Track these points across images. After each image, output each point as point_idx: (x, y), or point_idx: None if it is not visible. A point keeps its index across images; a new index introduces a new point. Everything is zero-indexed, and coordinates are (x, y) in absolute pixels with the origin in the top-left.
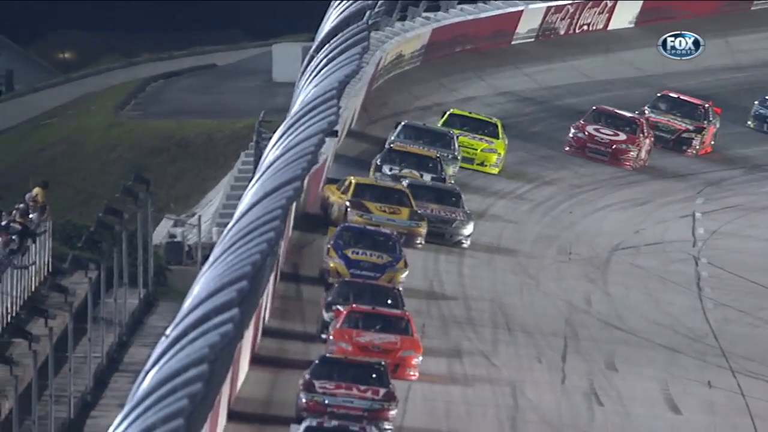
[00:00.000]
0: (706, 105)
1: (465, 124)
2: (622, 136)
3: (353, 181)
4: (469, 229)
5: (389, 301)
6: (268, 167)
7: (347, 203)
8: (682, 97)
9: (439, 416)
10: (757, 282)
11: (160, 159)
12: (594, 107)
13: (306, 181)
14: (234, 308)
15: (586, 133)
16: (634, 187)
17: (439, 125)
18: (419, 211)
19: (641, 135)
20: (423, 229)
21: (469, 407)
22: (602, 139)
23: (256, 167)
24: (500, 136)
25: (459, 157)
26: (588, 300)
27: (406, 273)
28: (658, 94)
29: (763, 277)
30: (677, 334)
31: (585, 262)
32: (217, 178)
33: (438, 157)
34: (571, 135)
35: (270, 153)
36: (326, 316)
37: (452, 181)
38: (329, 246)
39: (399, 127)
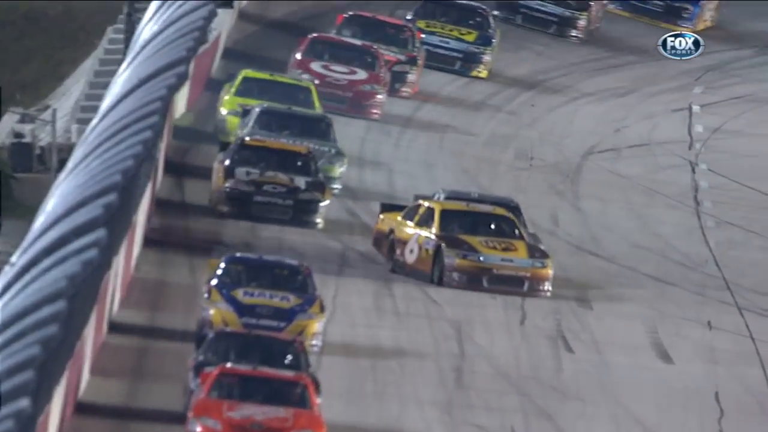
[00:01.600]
0: None
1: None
2: (362, 74)
3: (435, 207)
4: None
5: (287, 360)
6: (144, 47)
7: (436, 240)
8: None
9: (364, 370)
10: None
11: (1, 35)
12: (312, 35)
13: (192, 67)
14: (100, 228)
15: (313, 73)
16: (614, 72)
17: (231, 93)
18: None
19: (382, 69)
20: (550, 270)
21: (401, 357)
22: (337, 80)
23: (127, 47)
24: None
25: (343, 152)
26: (554, 218)
27: (323, 321)
28: None
29: None
30: (668, 261)
31: (551, 170)
32: (76, 61)
33: (311, 154)
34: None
35: (146, 29)
36: (194, 383)
37: (336, 186)
38: (210, 286)
39: (253, 113)
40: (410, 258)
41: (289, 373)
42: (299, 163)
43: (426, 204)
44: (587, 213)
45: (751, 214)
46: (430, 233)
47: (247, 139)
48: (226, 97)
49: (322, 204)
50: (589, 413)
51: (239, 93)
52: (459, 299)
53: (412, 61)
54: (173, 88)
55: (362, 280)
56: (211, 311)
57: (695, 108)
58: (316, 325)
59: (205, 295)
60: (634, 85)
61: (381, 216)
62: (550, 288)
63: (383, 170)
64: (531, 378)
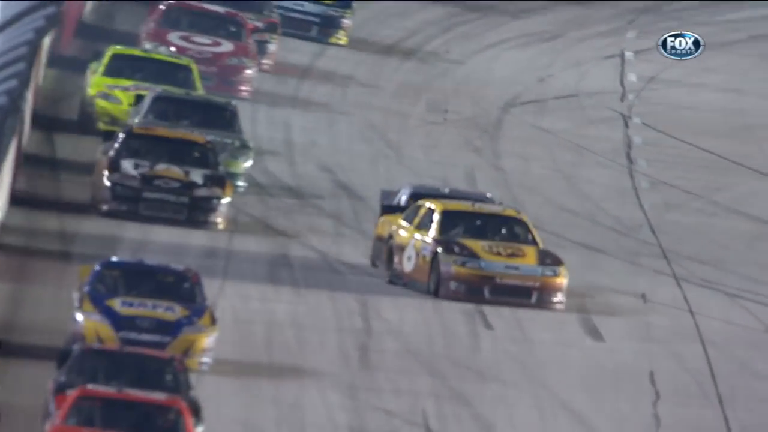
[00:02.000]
0: None
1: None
2: (227, 45)
3: (436, 208)
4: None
5: (162, 380)
6: None
7: (434, 245)
8: None
9: (258, 347)
10: (711, 151)
11: None
12: (163, 4)
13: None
14: None
15: (171, 45)
16: (539, 15)
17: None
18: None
19: (249, 40)
20: (563, 279)
21: (300, 332)
22: (200, 53)
23: None
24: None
25: (250, 144)
26: (471, 176)
27: (215, 335)
28: None
29: (721, 143)
30: (598, 225)
31: (467, 124)
32: None
33: (209, 144)
34: (148, 48)
35: None
36: (51, 407)
37: (240, 183)
38: (83, 293)
39: (147, 100)
40: (408, 266)
41: (161, 396)
42: (196, 155)
43: (427, 204)
44: (508, 172)
45: (690, 173)
46: (429, 237)
47: (136, 127)
48: (93, 77)
49: (222, 201)
50: (510, 396)
51: (108, 73)
52: (364, 269)
53: (271, 28)
54: (42, 32)
55: (256, 247)
56: (84, 323)
57: (628, 55)
58: (206, 340)
59: (76, 305)
60: (560, 29)
61: (381, 219)
62: (564, 299)
63: (282, 159)
64: (444, 358)
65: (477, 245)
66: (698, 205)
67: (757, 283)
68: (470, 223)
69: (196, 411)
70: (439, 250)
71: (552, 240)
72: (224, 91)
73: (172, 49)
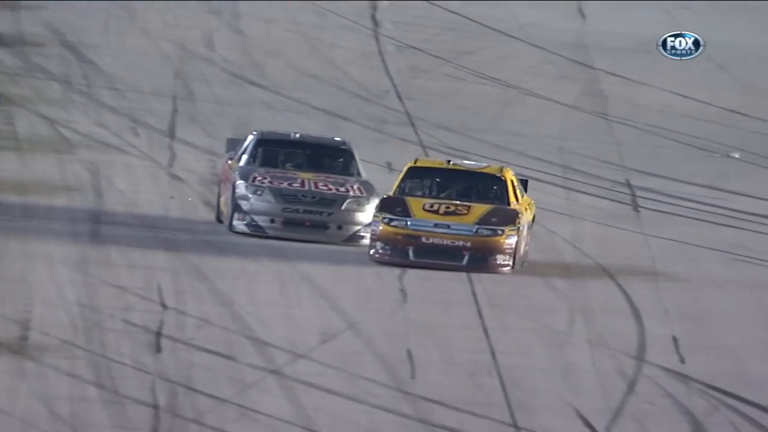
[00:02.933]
0: None
1: None
2: None
3: (408, 165)
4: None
5: None
6: None
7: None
8: None
9: None
10: (459, 12)
11: None
12: None
13: None
14: None
15: None
16: None
17: None
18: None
19: None
20: (506, 240)
21: (26, 201)
22: None
23: None
24: None
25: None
26: (208, 41)
27: None
28: None
29: (468, 5)
30: (342, 91)
31: None
32: None
33: None
34: None
35: None
36: None
37: None
38: None
39: None
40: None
41: None
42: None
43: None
44: (246, 35)
45: (438, 35)
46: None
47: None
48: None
49: None
50: (250, 271)
51: None
52: (82, 122)
53: None
54: None
55: None
56: None
57: None
58: None
59: None
60: None
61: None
62: (510, 262)
63: None
64: (182, 231)
65: (419, 203)
66: (447, 69)
67: (505, 150)
68: (440, 180)
69: None
70: (376, 208)
71: (294, 107)
72: None
73: None
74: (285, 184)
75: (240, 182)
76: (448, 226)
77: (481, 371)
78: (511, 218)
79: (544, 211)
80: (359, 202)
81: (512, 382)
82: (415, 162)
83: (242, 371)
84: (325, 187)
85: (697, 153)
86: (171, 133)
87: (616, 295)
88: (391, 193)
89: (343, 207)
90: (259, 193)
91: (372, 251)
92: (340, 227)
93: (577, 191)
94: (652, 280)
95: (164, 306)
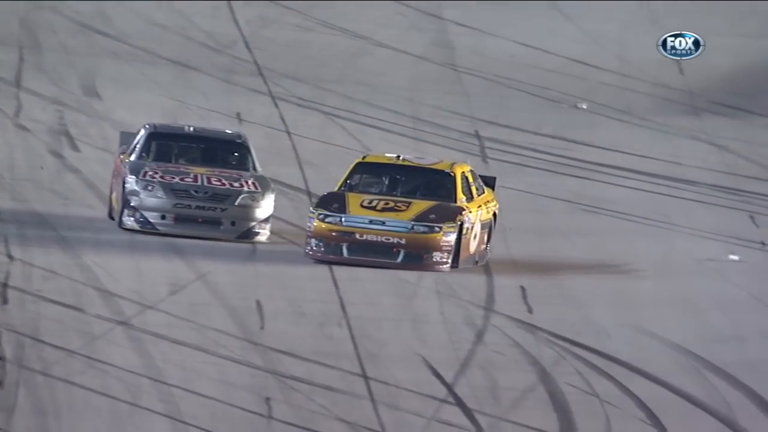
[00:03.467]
0: None
1: None
2: None
3: (356, 161)
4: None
5: None
6: None
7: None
8: None
9: None
10: None
11: None
12: None
13: None
14: None
15: None
16: None
17: None
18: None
19: None
20: (443, 237)
21: None
22: None
23: None
24: None
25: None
26: None
27: None
28: None
29: None
30: (191, 41)
31: None
32: None
33: None
34: None
35: None
36: None
37: None
38: None
39: None
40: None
41: None
42: None
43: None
44: None
45: None
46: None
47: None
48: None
49: None
50: (97, 220)
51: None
52: None
53: None
54: None
55: None
56: None
57: None
58: None
59: None
60: None
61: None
62: (448, 260)
63: None
64: (28, 181)
65: (358, 199)
66: (295, 20)
67: (355, 101)
68: (386, 177)
69: None
70: (313, 205)
71: (142, 56)
72: None
73: None
74: (177, 179)
75: (130, 177)
76: (383, 223)
77: (331, 322)
78: (451, 215)
79: None
80: (254, 198)
81: (361, 333)
82: (363, 158)
83: (90, 322)
84: (218, 183)
85: (545, 103)
86: (17, 83)
87: None
88: (335, 189)
89: (236, 203)
90: (149, 188)
91: (307, 248)
92: (233, 223)
93: (427, 142)
94: (499, 230)
95: (10, 257)
